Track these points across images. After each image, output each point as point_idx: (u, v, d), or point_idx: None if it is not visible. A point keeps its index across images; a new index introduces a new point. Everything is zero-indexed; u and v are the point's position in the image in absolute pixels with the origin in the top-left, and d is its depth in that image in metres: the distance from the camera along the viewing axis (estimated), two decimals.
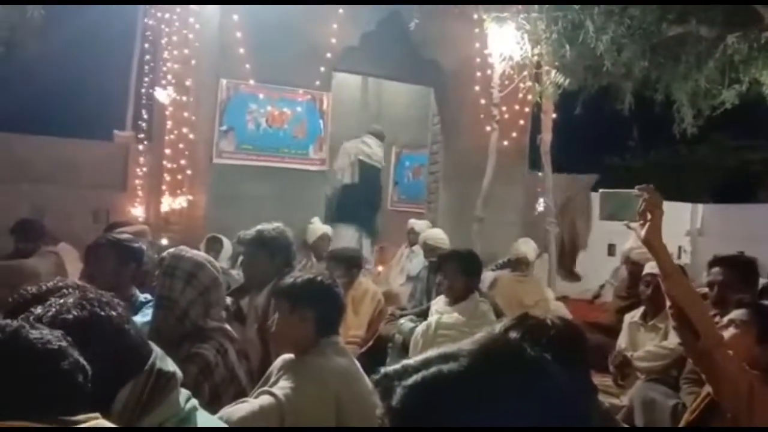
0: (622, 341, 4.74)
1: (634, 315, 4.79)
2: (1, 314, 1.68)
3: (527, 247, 6.66)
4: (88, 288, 1.68)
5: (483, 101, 8.05)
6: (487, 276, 6.37)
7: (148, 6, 8.57)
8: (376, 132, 9.06)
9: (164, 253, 2.84)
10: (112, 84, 9.55)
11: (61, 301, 1.52)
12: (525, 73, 7.30)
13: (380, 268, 8.69)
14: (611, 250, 10.06)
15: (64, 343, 1.19)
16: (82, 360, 1.21)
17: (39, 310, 1.49)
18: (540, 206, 7.94)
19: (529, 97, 7.80)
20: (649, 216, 2.37)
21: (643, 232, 2.39)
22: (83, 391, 1.19)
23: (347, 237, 8.31)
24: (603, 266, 9.62)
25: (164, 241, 6.46)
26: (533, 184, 8.35)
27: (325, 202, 8.20)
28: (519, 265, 6.59)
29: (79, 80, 10.49)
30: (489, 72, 7.84)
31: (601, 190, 3.46)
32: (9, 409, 1.09)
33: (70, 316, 1.47)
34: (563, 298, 7.91)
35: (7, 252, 5.97)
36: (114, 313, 1.55)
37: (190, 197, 7.41)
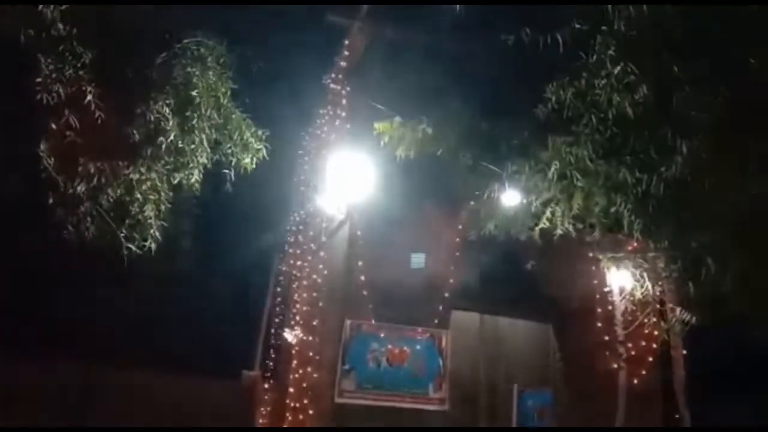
0: None
1: None
2: None
3: None
4: None
5: (606, 338, 7.86)
6: None
7: (282, 254, 9.42)
8: None
9: None
10: (246, 326, 10.25)
11: None
12: (648, 310, 7.16)
13: None
14: None
15: None
16: None
17: None
18: None
19: (656, 333, 7.54)
20: None
21: None
22: None
23: None
24: None
25: None
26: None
27: None
28: None
29: (216, 323, 11.32)
30: (610, 308, 7.76)
31: None
32: None
33: None
34: None
35: None
36: None
37: None
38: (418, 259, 7.92)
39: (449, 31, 8.07)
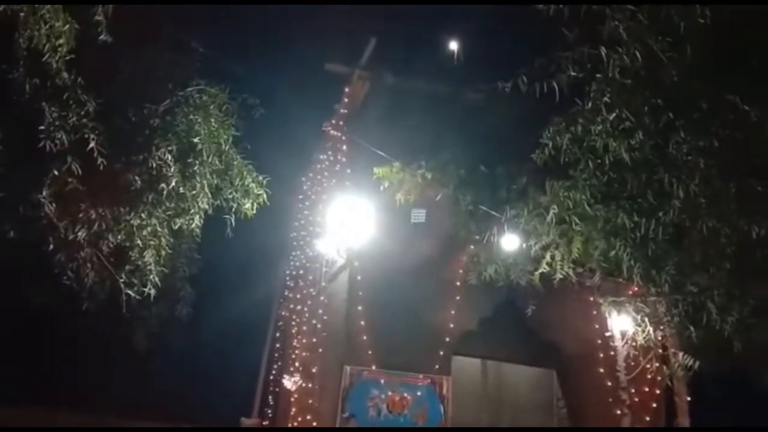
0: None
1: None
2: None
3: None
4: None
5: (609, 383, 7.76)
6: None
7: (281, 299, 9.38)
8: None
9: None
10: (245, 373, 10.14)
11: None
12: (650, 355, 7.09)
13: None
14: None
15: None
16: None
17: None
18: None
19: (659, 378, 7.45)
20: None
21: None
22: None
23: None
24: None
25: None
26: None
27: None
28: None
29: (215, 369, 11.20)
30: (612, 353, 7.68)
31: None
32: None
33: None
34: None
35: None
36: None
37: None
38: (419, 214, 7.60)
39: (448, 79, 8.21)
